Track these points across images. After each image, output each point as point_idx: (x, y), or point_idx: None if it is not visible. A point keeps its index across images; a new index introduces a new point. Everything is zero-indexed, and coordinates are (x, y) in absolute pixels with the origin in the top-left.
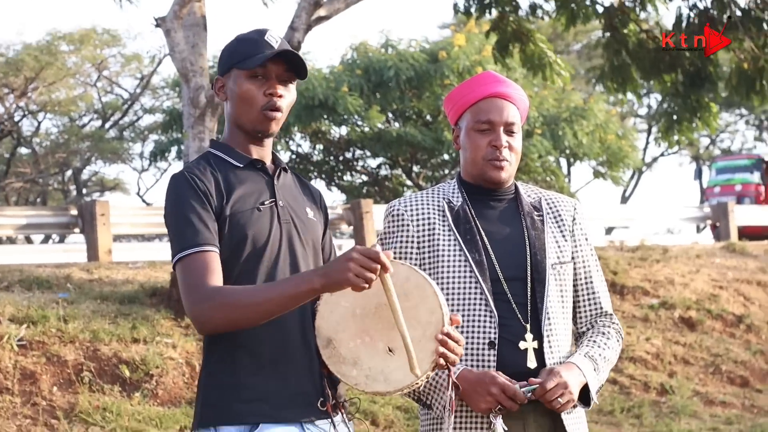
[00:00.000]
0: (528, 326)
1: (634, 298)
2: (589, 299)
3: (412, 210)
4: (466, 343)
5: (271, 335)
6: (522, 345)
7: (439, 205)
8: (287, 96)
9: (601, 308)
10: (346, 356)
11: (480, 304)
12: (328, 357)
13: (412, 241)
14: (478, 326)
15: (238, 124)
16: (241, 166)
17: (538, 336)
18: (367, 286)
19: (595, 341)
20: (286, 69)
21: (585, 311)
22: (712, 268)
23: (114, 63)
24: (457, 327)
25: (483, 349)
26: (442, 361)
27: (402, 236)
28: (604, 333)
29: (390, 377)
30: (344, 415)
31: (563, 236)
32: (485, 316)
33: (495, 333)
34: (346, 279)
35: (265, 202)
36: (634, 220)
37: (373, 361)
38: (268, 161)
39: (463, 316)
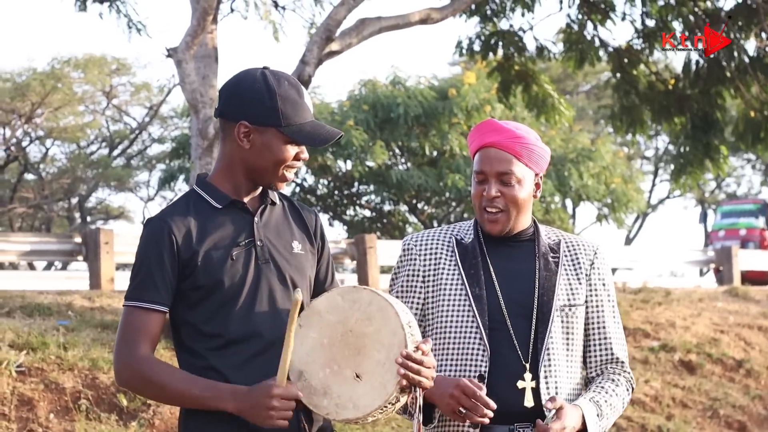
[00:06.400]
0: (528, 366)
1: (635, 340)
2: (600, 344)
3: (420, 245)
4: (458, 376)
5: (252, 370)
6: (520, 384)
7: (448, 242)
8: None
9: (612, 354)
10: (317, 387)
11: (474, 338)
12: (300, 389)
13: (418, 275)
14: (470, 359)
15: (249, 172)
16: (220, 207)
17: (537, 376)
18: (287, 424)
19: (603, 387)
20: None
21: (595, 356)
22: (714, 312)
23: (123, 92)
24: (447, 355)
25: None
26: (404, 382)
27: (409, 270)
28: (613, 380)
29: (358, 403)
30: None
31: (578, 279)
32: (478, 349)
33: (485, 367)
34: (269, 424)
35: (241, 244)
36: (637, 262)
37: (341, 388)
38: (253, 196)
39: (457, 349)
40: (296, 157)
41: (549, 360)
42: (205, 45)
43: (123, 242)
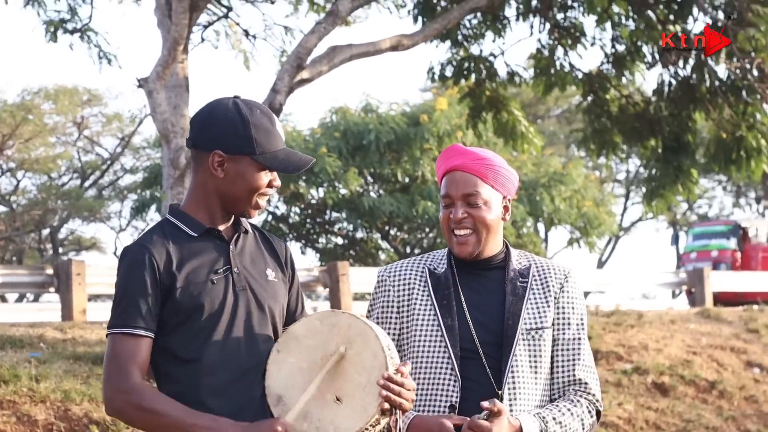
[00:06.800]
0: (501, 393)
1: (608, 363)
2: (563, 366)
3: (394, 276)
4: (430, 407)
5: (230, 397)
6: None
7: (421, 272)
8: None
9: (574, 376)
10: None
11: (446, 368)
12: (279, 414)
13: (392, 306)
14: (442, 390)
15: (223, 201)
16: (196, 235)
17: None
18: None
19: (557, 405)
20: None
21: (558, 378)
22: (687, 334)
23: (95, 122)
24: (419, 385)
25: (444, 412)
26: (386, 405)
27: (383, 301)
28: (572, 401)
29: (340, 426)
30: None
31: (546, 303)
32: (449, 380)
33: (456, 397)
34: None
35: (219, 271)
36: (610, 285)
37: (322, 412)
38: (227, 225)
39: (428, 379)
40: (269, 185)
41: (513, 382)
42: (176, 75)
43: (95, 273)
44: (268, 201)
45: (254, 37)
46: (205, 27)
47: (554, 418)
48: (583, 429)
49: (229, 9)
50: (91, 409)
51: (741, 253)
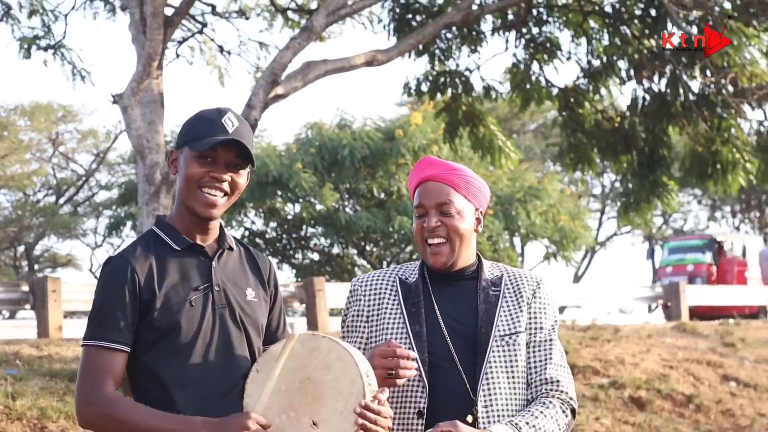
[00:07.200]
0: (476, 399)
1: (585, 377)
2: (535, 366)
3: (365, 286)
4: (398, 412)
5: (208, 416)
6: (470, 418)
7: (393, 281)
8: (237, 181)
9: (546, 375)
10: None
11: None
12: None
13: (362, 315)
14: (409, 396)
15: (181, 202)
16: (179, 249)
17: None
18: None
19: (529, 410)
20: (236, 155)
21: (532, 378)
22: (663, 348)
23: (70, 138)
24: (390, 398)
25: (412, 418)
26: None
27: (354, 310)
28: (543, 403)
29: None
30: None
31: (519, 308)
32: (417, 386)
33: (424, 403)
34: None
35: (199, 288)
36: (586, 300)
37: None
38: (210, 240)
39: (396, 386)
40: (210, 176)
41: (488, 388)
42: (151, 90)
43: (71, 290)
44: (245, 213)
45: (229, 52)
46: (180, 43)
47: (527, 423)
48: (560, 429)
49: (204, 25)
50: (68, 426)
51: (716, 267)
